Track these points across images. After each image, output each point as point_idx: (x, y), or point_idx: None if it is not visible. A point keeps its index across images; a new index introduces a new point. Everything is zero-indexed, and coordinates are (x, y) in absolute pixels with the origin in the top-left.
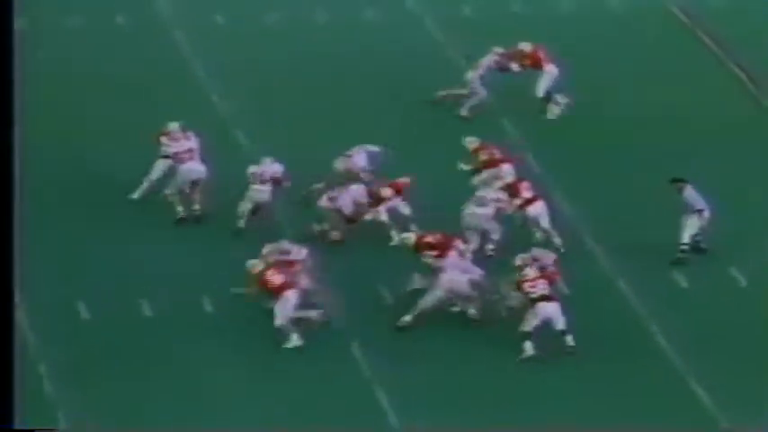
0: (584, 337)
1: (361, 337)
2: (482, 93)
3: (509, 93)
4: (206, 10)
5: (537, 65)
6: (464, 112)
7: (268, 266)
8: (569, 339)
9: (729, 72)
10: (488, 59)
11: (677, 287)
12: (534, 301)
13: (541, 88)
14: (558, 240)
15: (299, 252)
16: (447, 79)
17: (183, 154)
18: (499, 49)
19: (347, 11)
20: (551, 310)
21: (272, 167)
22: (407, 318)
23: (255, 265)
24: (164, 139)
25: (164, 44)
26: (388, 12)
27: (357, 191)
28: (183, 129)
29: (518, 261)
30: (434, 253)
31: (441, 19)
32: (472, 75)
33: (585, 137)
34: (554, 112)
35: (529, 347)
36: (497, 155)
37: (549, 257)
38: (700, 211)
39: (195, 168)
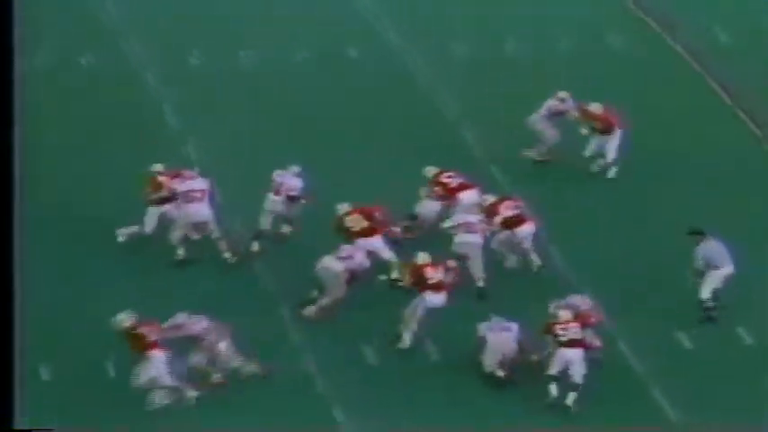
0: (583, 396)
1: (345, 400)
2: (550, 135)
3: (495, 139)
4: (180, 50)
5: (607, 128)
6: (536, 156)
7: (137, 324)
8: (571, 397)
9: (733, 113)
10: (552, 104)
11: (680, 347)
12: (561, 345)
13: (612, 150)
14: (536, 259)
15: (198, 324)
16: (434, 122)
17: (195, 193)
18: (562, 94)
19: (328, 49)
20: (572, 356)
21: (289, 181)
22: (501, 372)
23: (123, 320)
24: (167, 180)
25: (135, 85)
26: (373, 50)
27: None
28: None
29: (551, 308)
30: (414, 284)
31: (431, 58)
32: (534, 117)
33: (582, 183)
34: (612, 172)
35: (554, 390)
36: (455, 183)
37: (585, 302)
38: (716, 267)
39: (202, 211)
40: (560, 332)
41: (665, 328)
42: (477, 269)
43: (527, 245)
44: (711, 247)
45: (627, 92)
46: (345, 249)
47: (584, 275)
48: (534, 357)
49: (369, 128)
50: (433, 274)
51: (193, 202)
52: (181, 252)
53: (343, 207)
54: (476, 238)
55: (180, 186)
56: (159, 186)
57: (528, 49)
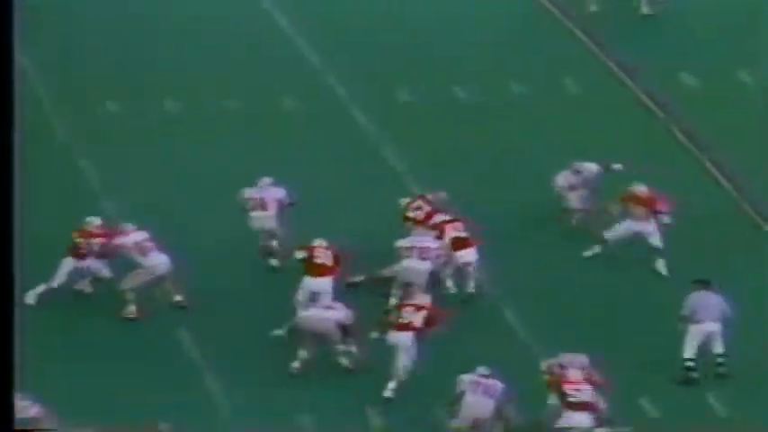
0: None
1: None
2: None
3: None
4: (97, 96)
5: (650, 212)
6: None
7: None
8: None
9: (698, 161)
10: (567, 177)
11: (646, 414)
12: (572, 406)
13: (656, 235)
14: (470, 287)
15: (30, 410)
16: (381, 173)
17: (145, 242)
18: (578, 165)
19: (264, 97)
20: (581, 419)
21: (271, 192)
22: None
23: None
24: (106, 237)
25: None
26: (309, 98)
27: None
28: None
29: (544, 366)
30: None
31: (376, 105)
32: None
33: (545, 237)
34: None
35: None
36: (422, 215)
37: (581, 360)
38: (698, 321)
39: (162, 261)
40: (572, 392)
41: (629, 394)
42: (419, 297)
43: (468, 269)
44: (701, 299)
45: (584, 137)
46: (327, 301)
47: (537, 327)
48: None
49: (309, 181)
50: (406, 314)
51: (148, 253)
52: (133, 308)
53: (318, 241)
54: (425, 266)
55: (127, 240)
56: (90, 237)
57: (478, 94)
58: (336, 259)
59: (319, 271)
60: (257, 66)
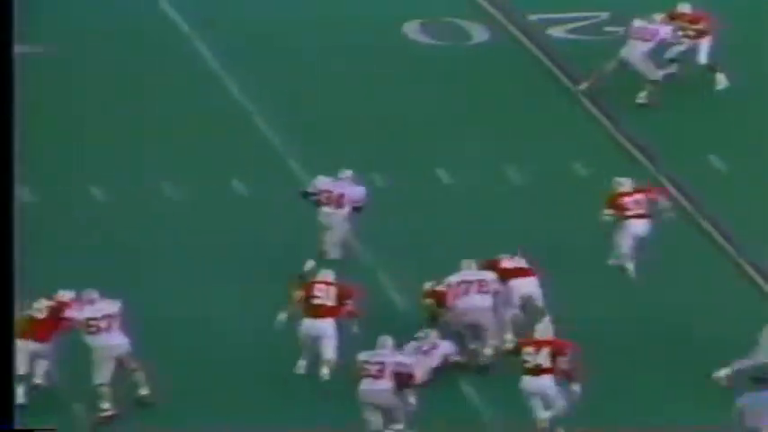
0: None
1: None
2: None
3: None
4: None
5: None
6: None
7: None
8: None
9: (726, 252)
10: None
11: None
12: None
13: None
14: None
15: None
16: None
17: (100, 321)
18: None
19: (213, 183)
20: None
21: (350, 189)
22: None
23: None
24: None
25: None
26: (271, 182)
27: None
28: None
29: None
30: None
31: None
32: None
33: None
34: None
35: None
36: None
37: None
38: (753, 428)
39: (115, 342)
40: None
41: None
42: (488, 337)
43: (537, 302)
44: (754, 400)
45: (596, 229)
46: (373, 365)
47: None
48: None
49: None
50: (529, 356)
51: (100, 333)
52: (107, 405)
53: (323, 273)
54: (486, 301)
55: (81, 313)
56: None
57: (469, 179)
58: (341, 296)
59: (318, 312)
60: (206, 148)
